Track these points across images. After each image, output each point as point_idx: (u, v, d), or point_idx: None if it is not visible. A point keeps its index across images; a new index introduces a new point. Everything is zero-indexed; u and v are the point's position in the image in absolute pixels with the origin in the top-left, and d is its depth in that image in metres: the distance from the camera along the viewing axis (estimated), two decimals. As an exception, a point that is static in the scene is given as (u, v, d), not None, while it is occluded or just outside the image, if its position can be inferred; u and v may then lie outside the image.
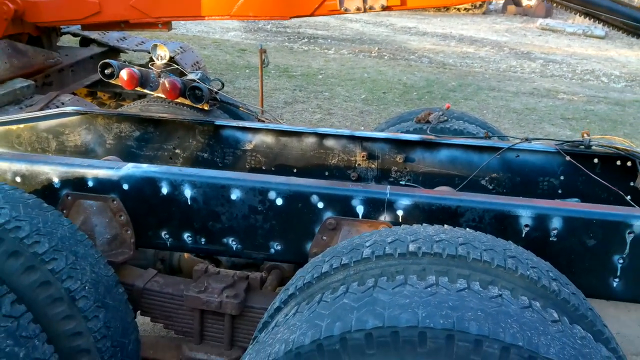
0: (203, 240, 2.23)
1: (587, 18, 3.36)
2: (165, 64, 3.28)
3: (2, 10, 4.41)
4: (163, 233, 2.24)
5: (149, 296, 2.26)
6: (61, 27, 5.27)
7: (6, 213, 1.76)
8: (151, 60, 3.33)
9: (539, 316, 1.28)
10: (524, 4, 20.05)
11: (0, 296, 1.60)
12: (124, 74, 3.21)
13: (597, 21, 3.35)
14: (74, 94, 4.87)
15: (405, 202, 2.01)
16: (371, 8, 3.80)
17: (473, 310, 1.23)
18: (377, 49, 12.74)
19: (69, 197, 2.20)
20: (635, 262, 1.88)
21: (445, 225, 1.72)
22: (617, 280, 1.91)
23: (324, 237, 2.08)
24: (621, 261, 1.89)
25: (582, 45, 15.11)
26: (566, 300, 1.44)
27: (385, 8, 3.78)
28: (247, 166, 3.05)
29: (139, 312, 2.28)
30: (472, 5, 19.45)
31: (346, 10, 3.84)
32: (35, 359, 1.59)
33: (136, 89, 3.28)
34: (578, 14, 3.34)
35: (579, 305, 1.46)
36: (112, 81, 3.28)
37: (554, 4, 3.37)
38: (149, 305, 2.27)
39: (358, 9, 3.81)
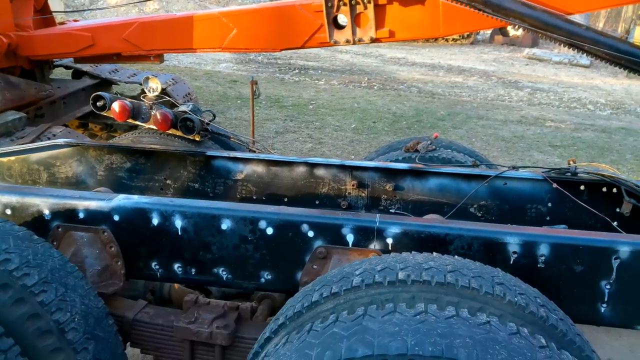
0: (193, 270, 2.23)
1: (571, 49, 3.43)
2: (157, 96, 3.32)
3: (-5, 44, 4.45)
4: (153, 264, 2.24)
5: (139, 327, 2.25)
6: (54, 60, 5.32)
7: (-4, 246, 1.76)
8: (143, 92, 3.37)
9: (527, 342, 1.29)
10: (510, 34, 20.50)
11: (-13, 330, 1.59)
12: (115, 106, 3.25)
13: (581, 51, 3.42)
14: (65, 125, 4.89)
15: (394, 230, 2.03)
16: (360, 40, 3.86)
17: (461, 337, 1.24)
18: (366, 79, 12.91)
19: (60, 229, 2.20)
20: (622, 288, 1.90)
21: (434, 253, 1.73)
22: (605, 305, 1.93)
23: (315, 266, 2.09)
24: (608, 287, 1.91)
25: (568, 74, 15.41)
26: (554, 326, 1.45)
27: (374, 40, 3.85)
28: (238, 196, 3.06)
29: (129, 343, 2.26)
30: (460, 36, 19.82)
31: (336, 43, 3.91)
32: (23, 393, 1.57)
33: (128, 120, 3.31)
34: (562, 44, 3.41)
35: (567, 331, 1.47)
36: (104, 113, 3.32)
37: (539, 35, 3.44)
38: (139, 337, 2.25)
39: (347, 42, 3.88)
